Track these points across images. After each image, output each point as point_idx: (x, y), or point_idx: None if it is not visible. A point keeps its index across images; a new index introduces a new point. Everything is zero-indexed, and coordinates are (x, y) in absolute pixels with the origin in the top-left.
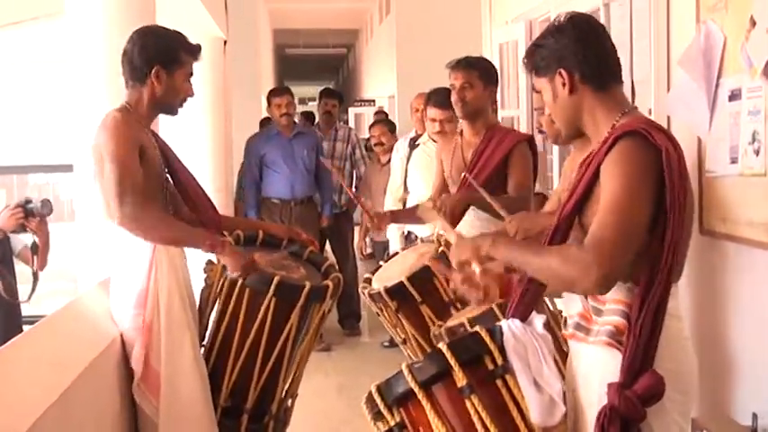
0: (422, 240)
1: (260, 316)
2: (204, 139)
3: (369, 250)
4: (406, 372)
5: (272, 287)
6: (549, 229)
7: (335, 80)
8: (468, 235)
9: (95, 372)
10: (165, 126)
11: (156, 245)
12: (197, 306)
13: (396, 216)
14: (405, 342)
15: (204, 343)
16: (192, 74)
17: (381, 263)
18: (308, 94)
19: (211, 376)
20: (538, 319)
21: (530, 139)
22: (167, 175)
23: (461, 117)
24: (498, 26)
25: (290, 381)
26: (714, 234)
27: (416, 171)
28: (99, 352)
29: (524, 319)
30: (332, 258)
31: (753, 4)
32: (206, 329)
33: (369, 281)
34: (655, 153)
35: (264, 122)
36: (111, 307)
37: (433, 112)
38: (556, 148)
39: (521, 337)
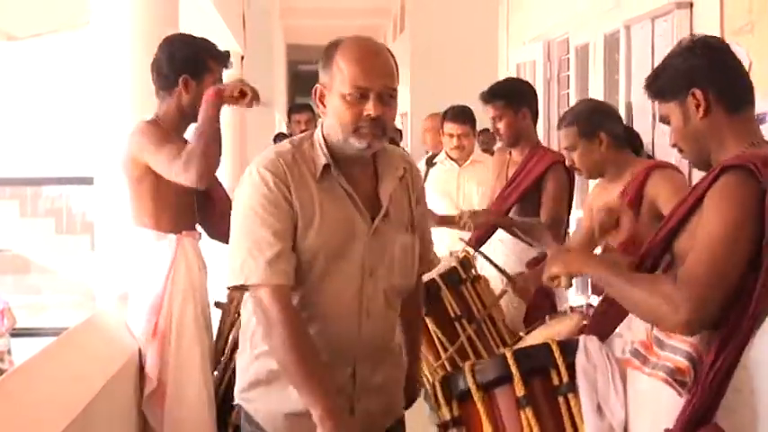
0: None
1: None
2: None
3: None
4: (467, 371)
5: None
6: (639, 254)
7: None
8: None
9: (115, 387)
10: None
11: (177, 249)
12: (210, 319)
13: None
14: None
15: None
16: (220, 81)
17: None
18: None
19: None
20: (618, 341)
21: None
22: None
23: (506, 146)
24: (515, 46)
25: None
26: None
27: (434, 189)
28: (119, 367)
29: (604, 337)
30: None
31: None
32: (222, 354)
33: None
34: (758, 190)
35: (278, 138)
36: (128, 314)
37: (449, 126)
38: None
39: (594, 356)
